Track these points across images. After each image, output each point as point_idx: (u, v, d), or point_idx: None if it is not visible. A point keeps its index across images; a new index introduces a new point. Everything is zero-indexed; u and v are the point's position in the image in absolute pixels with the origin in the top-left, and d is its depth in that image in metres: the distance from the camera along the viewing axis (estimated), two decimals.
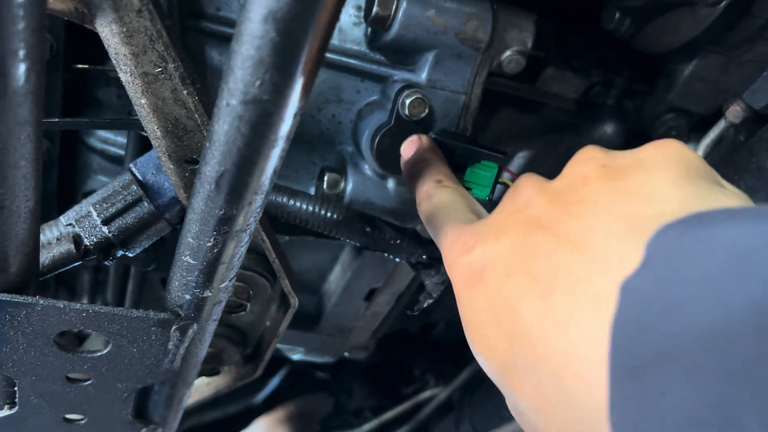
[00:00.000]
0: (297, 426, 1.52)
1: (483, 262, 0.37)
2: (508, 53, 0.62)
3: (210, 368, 0.70)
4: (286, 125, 0.34)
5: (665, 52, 0.69)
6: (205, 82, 0.63)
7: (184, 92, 0.45)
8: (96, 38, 0.47)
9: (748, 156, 0.62)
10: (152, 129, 0.47)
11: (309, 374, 1.45)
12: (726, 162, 0.64)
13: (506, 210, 0.39)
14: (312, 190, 0.71)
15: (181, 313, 0.48)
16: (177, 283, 0.46)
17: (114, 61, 0.45)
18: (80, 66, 0.62)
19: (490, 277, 0.36)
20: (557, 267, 0.31)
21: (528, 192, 0.38)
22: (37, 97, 0.34)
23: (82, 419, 0.59)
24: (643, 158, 0.34)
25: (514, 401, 0.34)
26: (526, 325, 0.31)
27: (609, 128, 0.77)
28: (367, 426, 1.37)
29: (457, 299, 0.39)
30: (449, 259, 0.41)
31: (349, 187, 0.67)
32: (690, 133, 0.75)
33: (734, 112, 0.63)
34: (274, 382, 1.44)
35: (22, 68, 0.31)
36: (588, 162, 0.36)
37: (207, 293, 0.46)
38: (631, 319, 0.26)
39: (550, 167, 0.79)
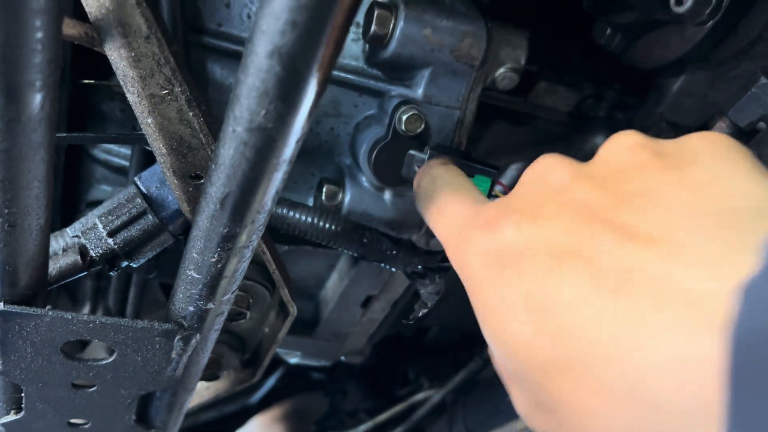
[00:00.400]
0: (292, 424, 1.53)
1: (517, 246, 0.33)
2: (501, 70, 0.63)
3: (209, 373, 0.71)
4: (288, 150, 0.36)
5: (655, 67, 0.71)
6: (207, 97, 0.64)
7: (190, 113, 0.46)
8: (101, 54, 0.48)
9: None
10: (158, 146, 0.48)
11: (305, 375, 1.46)
12: None
13: (534, 189, 0.36)
14: (310, 201, 0.72)
15: (184, 323, 0.50)
16: (181, 295, 0.48)
17: (121, 83, 0.46)
18: (86, 81, 0.64)
19: (529, 267, 0.32)
20: (628, 262, 0.29)
21: (560, 173, 0.36)
22: (51, 122, 0.35)
23: (85, 424, 0.60)
24: (696, 149, 0.33)
25: (543, 400, 0.32)
26: (587, 323, 0.29)
27: (600, 140, 0.78)
28: (362, 427, 1.38)
29: (470, 283, 0.36)
30: (459, 236, 0.37)
31: (347, 198, 0.68)
32: None
33: (720, 129, 0.65)
34: (270, 383, 1.45)
35: (38, 98, 0.32)
36: (636, 149, 0.34)
37: (210, 305, 0.48)
38: (756, 326, 0.23)
39: None
